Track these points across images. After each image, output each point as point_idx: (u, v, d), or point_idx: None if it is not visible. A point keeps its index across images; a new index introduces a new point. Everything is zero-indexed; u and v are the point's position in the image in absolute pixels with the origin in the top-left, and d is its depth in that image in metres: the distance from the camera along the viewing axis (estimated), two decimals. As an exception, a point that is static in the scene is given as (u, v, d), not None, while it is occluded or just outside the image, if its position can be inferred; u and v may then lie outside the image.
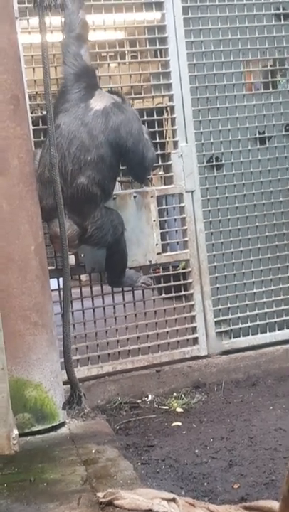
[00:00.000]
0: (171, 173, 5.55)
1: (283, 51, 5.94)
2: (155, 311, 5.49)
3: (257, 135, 5.85)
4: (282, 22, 5.90)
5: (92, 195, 4.68)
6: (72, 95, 4.81)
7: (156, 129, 5.47)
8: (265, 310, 5.81)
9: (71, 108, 4.77)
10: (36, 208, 4.49)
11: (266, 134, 5.87)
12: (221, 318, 5.67)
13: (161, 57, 5.56)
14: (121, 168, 5.12)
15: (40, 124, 5.07)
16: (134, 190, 5.38)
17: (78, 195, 4.65)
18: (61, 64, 5.01)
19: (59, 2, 4.24)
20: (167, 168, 5.60)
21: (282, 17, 5.89)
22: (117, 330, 5.36)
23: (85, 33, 5.03)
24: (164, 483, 3.77)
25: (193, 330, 5.59)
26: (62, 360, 4.49)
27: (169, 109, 5.58)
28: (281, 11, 5.88)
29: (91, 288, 5.34)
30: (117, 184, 5.24)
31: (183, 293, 5.62)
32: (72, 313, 5.08)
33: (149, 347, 5.43)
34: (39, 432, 4.37)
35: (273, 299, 5.83)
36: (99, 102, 4.83)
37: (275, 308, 5.83)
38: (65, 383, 4.55)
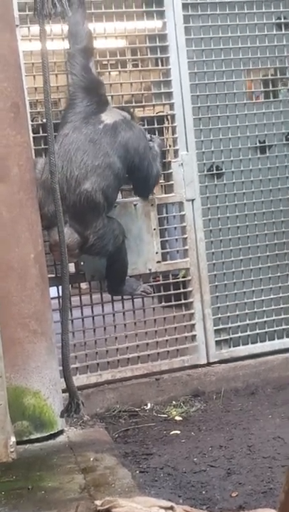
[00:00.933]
0: (171, 182, 5.55)
1: (284, 60, 5.95)
2: (155, 320, 5.49)
3: (257, 144, 5.86)
4: (283, 31, 5.91)
5: (95, 204, 4.68)
6: (82, 108, 4.86)
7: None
8: (265, 319, 5.80)
9: (81, 119, 4.81)
10: (36, 215, 4.49)
11: (267, 143, 5.88)
12: (220, 326, 5.67)
13: (162, 65, 5.57)
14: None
15: (41, 132, 5.06)
16: (135, 198, 5.38)
17: (81, 203, 4.65)
18: (69, 75, 5.05)
19: (59, 10, 4.23)
20: (168, 177, 5.60)
21: (283, 26, 5.90)
22: (116, 338, 5.36)
23: (92, 46, 5.07)
24: (162, 491, 3.77)
25: (193, 338, 5.58)
26: (61, 367, 4.48)
27: (169, 117, 5.59)
28: (282, 20, 5.89)
29: (91, 296, 5.34)
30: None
31: (183, 301, 5.61)
32: (72, 321, 5.09)
33: (148, 355, 5.43)
34: (37, 440, 4.36)
35: (273, 307, 5.83)
36: (109, 117, 4.89)
37: (274, 317, 5.83)
38: (64, 391, 4.53)
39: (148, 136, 5.27)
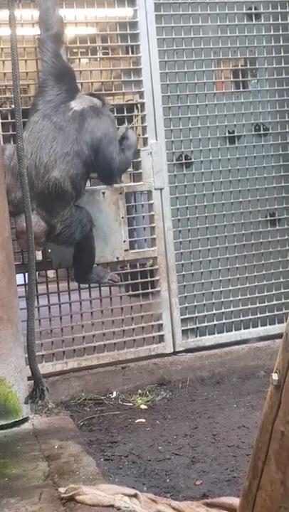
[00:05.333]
0: (140, 170, 5.53)
1: (254, 51, 5.95)
2: (122, 308, 5.48)
3: (226, 134, 5.86)
4: (254, 22, 5.91)
5: (63, 192, 4.66)
6: (53, 96, 4.83)
7: (126, 125, 5.45)
8: (232, 309, 5.82)
9: (51, 107, 4.78)
10: (3, 201, 4.46)
11: (236, 134, 5.88)
12: (187, 316, 5.68)
13: (132, 53, 5.56)
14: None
15: (9, 118, 5.02)
16: (103, 186, 5.36)
17: (49, 191, 4.62)
18: (39, 61, 5.03)
19: (29, -6, 4.23)
20: (136, 165, 5.57)
21: (253, 17, 5.91)
22: (83, 326, 5.35)
23: (62, 32, 5.04)
24: (126, 479, 3.78)
25: (160, 327, 5.58)
26: (27, 355, 4.46)
27: (139, 106, 5.57)
28: (253, 10, 5.90)
29: (58, 284, 5.32)
30: (86, 180, 5.23)
31: (150, 290, 5.61)
32: (38, 309, 5.06)
33: (114, 344, 5.42)
34: (2, 427, 4.35)
35: (239, 297, 5.85)
36: (78, 104, 4.86)
37: (241, 307, 5.85)
38: (29, 379, 4.52)
39: (124, 128, 5.25)
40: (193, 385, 5.44)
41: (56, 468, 3.69)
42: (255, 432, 2.39)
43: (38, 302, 4.99)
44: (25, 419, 4.49)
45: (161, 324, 5.58)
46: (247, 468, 2.44)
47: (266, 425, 2.28)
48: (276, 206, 6.00)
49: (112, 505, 3.11)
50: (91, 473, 3.58)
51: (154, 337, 5.58)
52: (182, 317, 5.65)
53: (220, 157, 5.81)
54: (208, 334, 5.76)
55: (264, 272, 5.95)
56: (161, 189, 5.56)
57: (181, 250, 5.66)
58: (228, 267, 5.83)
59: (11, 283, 4.48)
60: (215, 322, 5.78)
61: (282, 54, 5.98)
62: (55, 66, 4.92)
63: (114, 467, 3.97)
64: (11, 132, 4.98)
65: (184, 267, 5.68)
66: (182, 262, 5.67)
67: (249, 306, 5.88)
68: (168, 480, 3.79)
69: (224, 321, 5.80)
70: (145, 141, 5.54)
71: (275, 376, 2.21)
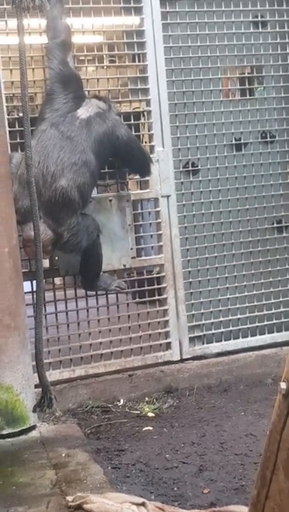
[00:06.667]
0: (147, 178, 5.53)
1: (261, 59, 5.95)
2: (128, 316, 5.48)
3: (233, 141, 5.86)
4: (260, 30, 5.91)
5: (70, 201, 4.66)
6: (60, 105, 4.85)
7: (133, 133, 5.45)
8: (239, 316, 5.81)
9: (59, 116, 4.80)
10: (11, 209, 4.47)
11: (242, 141, 5.88)
12: (194, 323, 5.67)
13: (139, 61, 5.56)
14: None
15: (17, 126, 5.03)
16: (110, 194, 5.37)
17: (56, 199, 4.63)
18: (46, 69, 5.04)
19: (38, 3, 4.23)
20: (143, 173, 5.59)
21: (260, 24, 5.91)
22: (90, 334, 5.35)
23: (69, 40, 5.06)
24: (134, 487, 3.77)
25: (166, 335, 5.58)
26: (34, 362, 4.46)
27: (146, 113, 5.58)
28: (259, 18, 5.90)
29: (65, 291, 5.32)
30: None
31: (157, 297, 5.61)
32: (46, 316, 5.06)
33: (121, 351, 5.42)
34: (9, 435, 4.36)
35: (246, 305, 5.84)
36: (85, 112, 4.88)
37: (248, 315, 5.84)
38: (36, 386, 4.52)
39: None
40: (201, 393, 5.43)
41: (64, 476, 3.70)
42: (263, 440, 2.39)
43: (45, 310, 4.98)
44: (32, 427, 4.50)
45: (168, 332, 5.57)
46: (255, 477, 2.43)
47: (274, 434, 2.27)
48: (283, 213, 5.99)
49: (119, 514, 3.12)
50: (98, 482, 3.58)
51: (161, 344, 5.58)
52: (189, 324, 5.64)
53: (226, 164, 5.81)
54: (215, 341, 5.76)
55: (271, 279, 5.94)
56: (168, 196, 5.56)
57: (188, 257, 5.66)
58: (235, 274, 5.82)
59: (18, 290, 4.49)
60: (222, 329, 5.77)
61: (288, 62, 5.98)
62: (62, 73, 4.94)
63: (121, 475, 3.96)
64: (18, 140, 4.99)
65: (190, 274, 5.68)
66: (189, 269, 5.67)
67: (256, 314, 5.87)
68: (175, 488, 3.78)
69: (231, 328, 5.79)
70: (152, 149, 5.54)
71: (283, 385, 2.21)
